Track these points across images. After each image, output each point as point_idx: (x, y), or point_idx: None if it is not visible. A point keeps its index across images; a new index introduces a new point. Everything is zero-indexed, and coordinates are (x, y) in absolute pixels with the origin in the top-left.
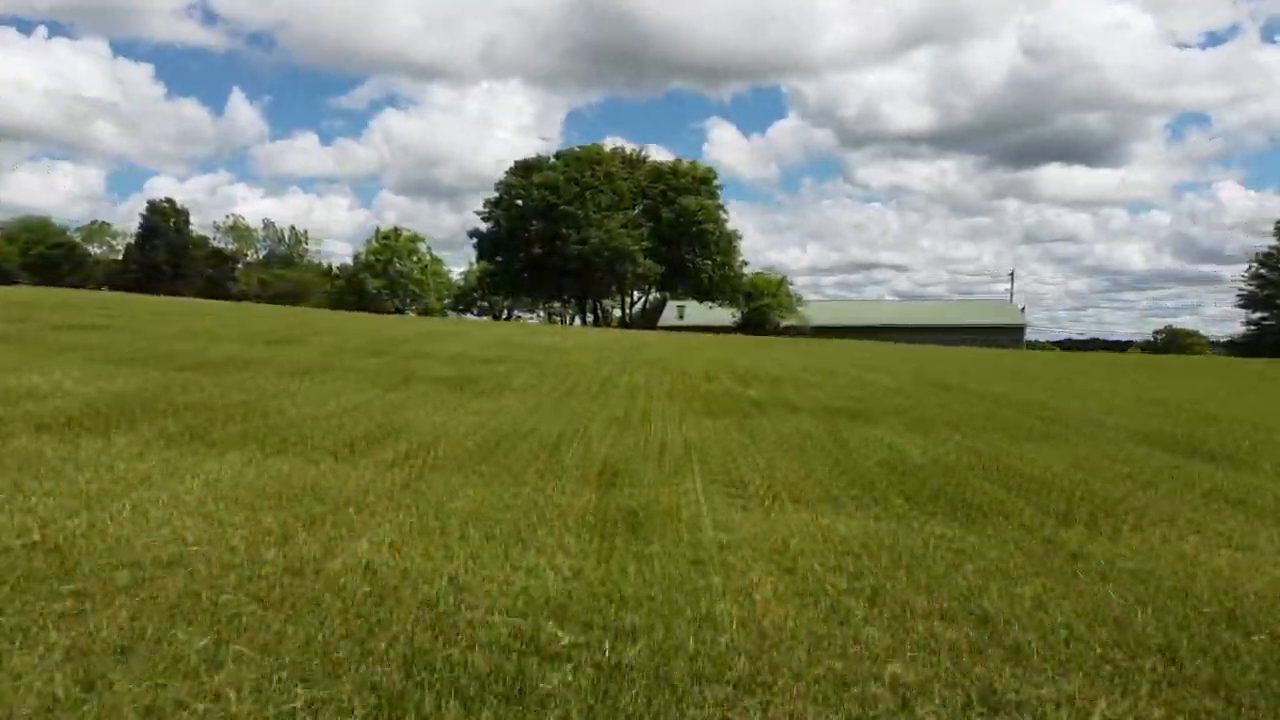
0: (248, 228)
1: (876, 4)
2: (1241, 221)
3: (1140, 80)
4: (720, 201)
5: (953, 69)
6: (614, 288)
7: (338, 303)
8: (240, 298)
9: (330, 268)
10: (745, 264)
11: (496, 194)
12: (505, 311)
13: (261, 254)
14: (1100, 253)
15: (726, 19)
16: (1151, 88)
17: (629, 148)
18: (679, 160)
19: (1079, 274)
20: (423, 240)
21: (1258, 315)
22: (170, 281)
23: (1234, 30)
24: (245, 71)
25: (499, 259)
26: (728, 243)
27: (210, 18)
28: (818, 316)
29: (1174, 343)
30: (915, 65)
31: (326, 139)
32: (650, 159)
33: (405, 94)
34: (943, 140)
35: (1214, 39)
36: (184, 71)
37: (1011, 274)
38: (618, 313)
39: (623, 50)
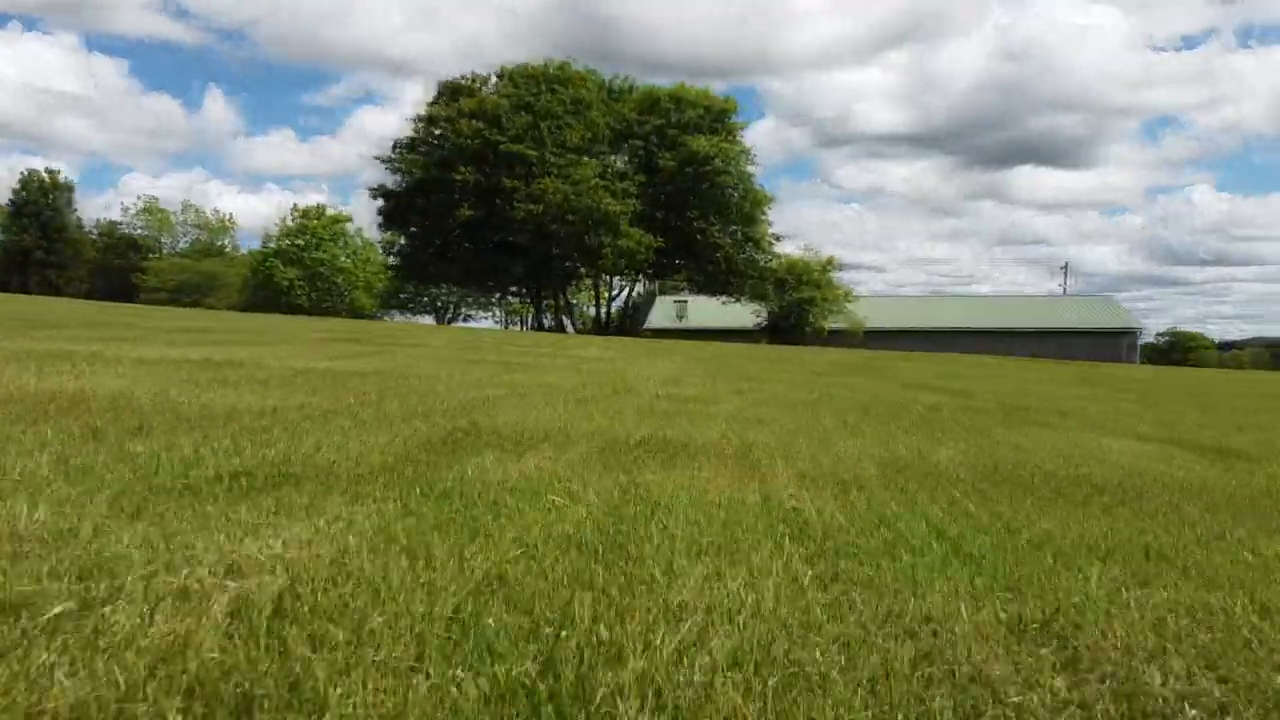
0: (163, 211)
1: (853, 3)
2: (1214, 225)
3: (1114, 82)
4: (745, 147)
5: (929, 69)
6: (584, 271)
7: (254, 300)
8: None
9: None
10: (779, 238)
11: (411, 134)
12: (452, 310)
13: (183, 243)
14: (1073, 255)
15: (704, 19)
16: (1125, 90)
17: (610, 76)
18: (683, 85)
19: (1051, 276)
20: (348, 220)
21: None
22: (41, 270)
23: (1209, 34)
24: (219, 67)
25: (413, 229)
26: (754, 206)
27: (181, 12)
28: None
29: (1175, 346)
30: (892, 65)
31: (303, 136)
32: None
33: (382, 91)
34: (919, 141)
35: (1189, 42)
36: (157, 66)
37: (1065, 266)
38: (593, 311)
39: (601, 49)
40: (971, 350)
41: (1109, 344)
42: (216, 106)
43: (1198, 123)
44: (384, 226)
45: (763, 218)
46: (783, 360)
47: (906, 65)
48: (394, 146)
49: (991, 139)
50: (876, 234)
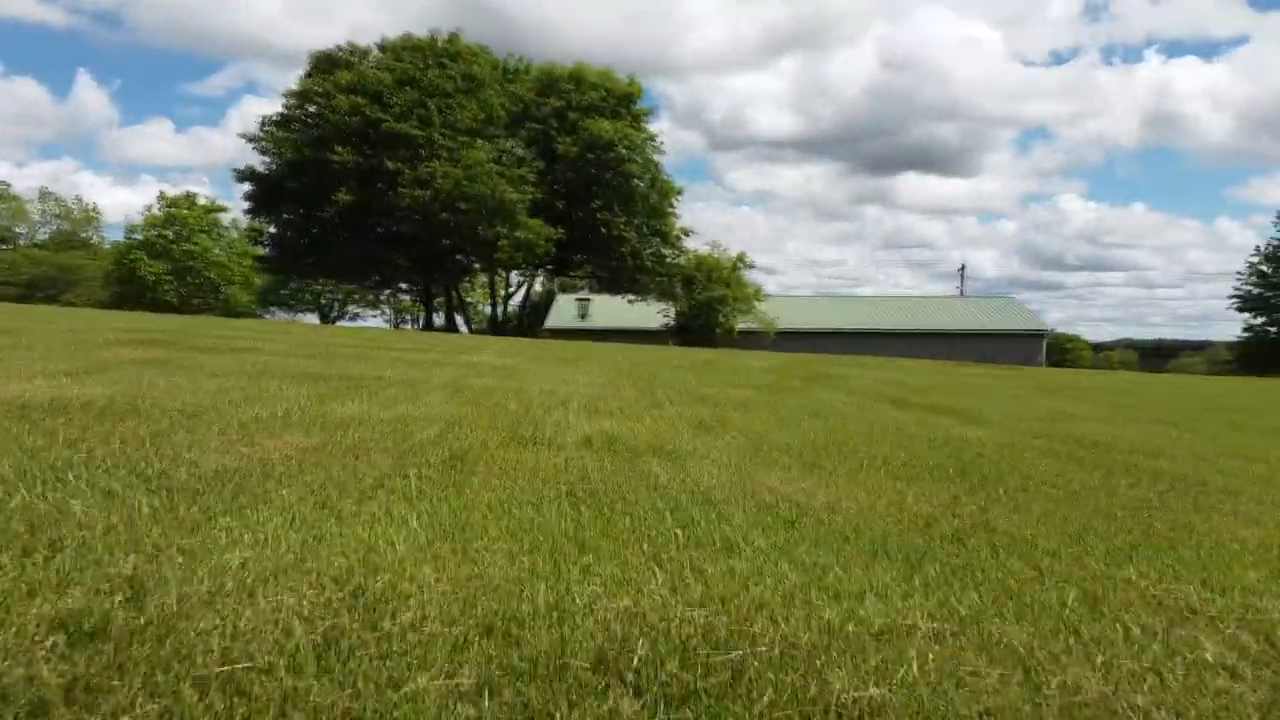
0: (16, 198)
1: (743, 9)
2: (1083, 232)
3: (991, 95)
4: (652, 133)
5: (817, 77)
6: (479, 266)
7: (119, 296)
8: None
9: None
10: (687, 233)
11: (283, 110)
12: (337, 308)
13: (43, 234)
14: (955, 259)
15: (600, 20)
16: (1001, 102)
17: (505, 56)
18: (583, 65)
19: (935, 279)
20: (223, 210)
21: (1260, 321)
22: None
23: (1076, 51)
24: (91, 51)
25: (285, 216)
26: (662, 197)
27: None
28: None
29: (1054, 347)
30: (782, 72)
31: (181, 126)
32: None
33: (267, 81)
34: (808, 146)
35: (1058, 58)
36: (21, 49)
37: (962, 268)
38: (490, 309)
39: (496, 48)
40: (883, 352)
41: (1022, 346)
42: (88, 93)
43: (1066, 135)
44: (251, 213)
45: (671, 210)
46: (716, 367)
47: (796, 73)
48: (262, 124)
49: (877, 146)
50: (768, 236)
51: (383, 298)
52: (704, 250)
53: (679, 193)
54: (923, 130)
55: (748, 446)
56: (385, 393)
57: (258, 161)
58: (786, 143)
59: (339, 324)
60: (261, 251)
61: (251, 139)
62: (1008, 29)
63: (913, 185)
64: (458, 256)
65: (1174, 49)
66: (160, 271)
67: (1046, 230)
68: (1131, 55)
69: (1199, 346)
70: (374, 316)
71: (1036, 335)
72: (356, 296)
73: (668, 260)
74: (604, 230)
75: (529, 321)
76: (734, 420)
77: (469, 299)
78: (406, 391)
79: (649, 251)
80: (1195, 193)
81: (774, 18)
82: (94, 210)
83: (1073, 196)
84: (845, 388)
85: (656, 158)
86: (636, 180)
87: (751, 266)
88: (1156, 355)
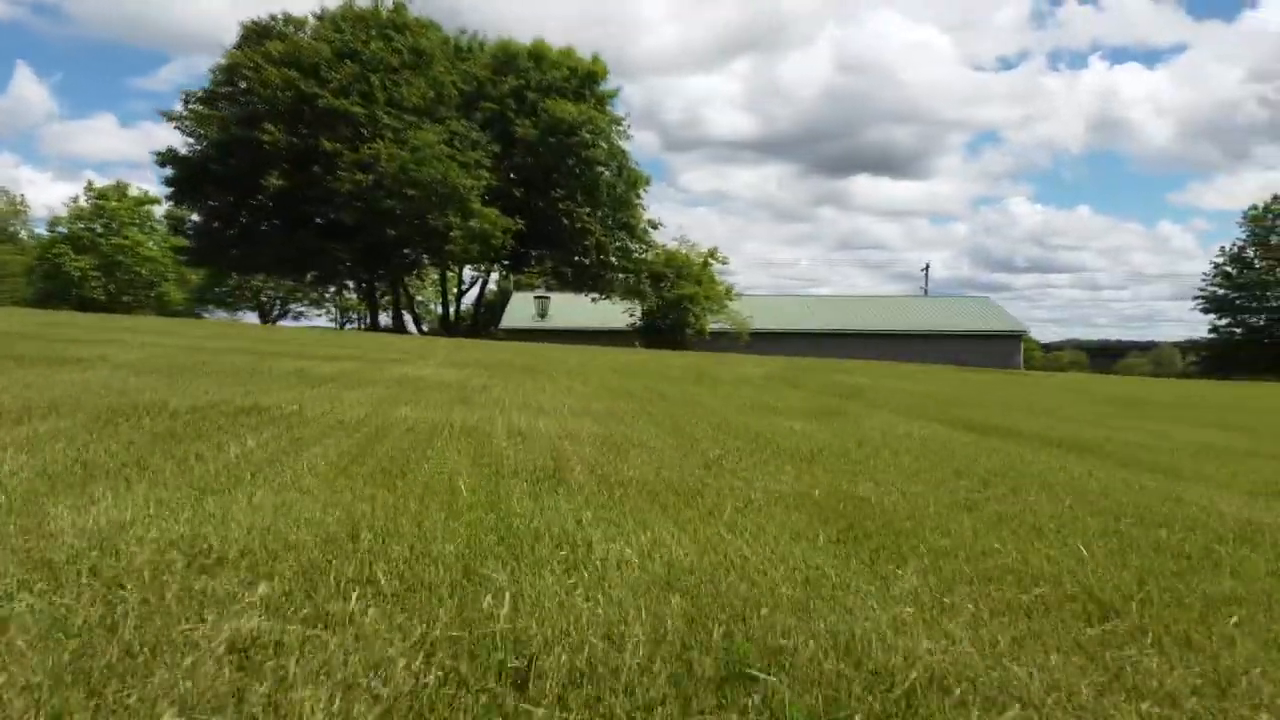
0: None
1: (697, 10)
2: (1031, 234)
3: (942, 98)
4: (617, 117)
5: (772, 79)
6: (428, 260)
7: (43, 294)
8: None
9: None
10: (655, 226)
11: (207, 85)
12: (276, 307)
13: None
14: (910, 260)
15: (555, 17)
16: (953, 106)
17: (456, 34)
18: (542, 42)
19: (889, 280)
20: (156, 202)
21: (1224, 322)
22: None
23: (1024, 56)
24: (31, 43)
25: (211, 203)
26: (629, 187)
27: None
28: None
29: None
30: (736, 74)
31: (127, 120)
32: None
33: None
34: (764, 147)
35: (1005, 63)
36: None
37: (926, 268)
38: (440, 308)
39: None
40: (856, 354)
41: (999, 347)
42: (27, 86)
43: (1015, 139)
44: (173, 200)
45: (638, 201)
46: (714, 377)
47: (750, 74)
48: (185, 101)
49: (832, 148)
50: (725, 237)
51: (327, 295)
52: (672, 246)
53: (647, 183)
54: (878, 132)
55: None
56: (226, 453)
57: (182, 143)
58: (743, 144)
59: (280, 324)
60: (184, 242)
61: (173, 117)
62: (957, 33)
63: (867, 187)
64: (405, 250)
65: (1117, 55)
66: (87, 267)
67: (996, 232)
68: (1077, 61)
69: (1145, 347)
70: (319, 316)
71: (1013, 336)
72: (299, 294)
73: (634, 255)
74: (566, 221)
75: (484, 321)
76: (874, 508)
77: (419, 297)
78: (276, 445)
79: (615, 245)
80: (1138, 196)
81: (727, 19)
82: (21, 202)
83: (1021, 199)
84: (890, 405)
85: (623, 144)
86: (601, 167)
87: (725, 262)
88: (1103, 355)
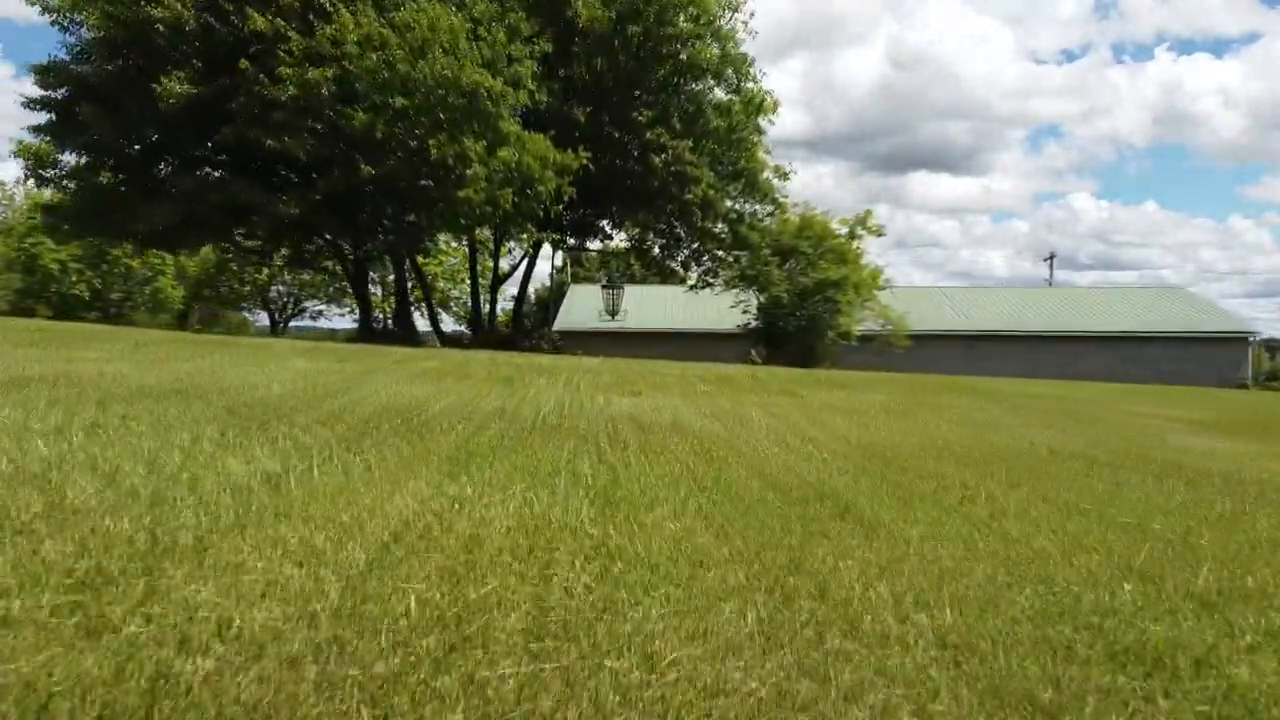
0: None
1: (752, 7)
2: (1094, 231)
3: (1000, 93)
4: (735, 2)
5: (825, 77)
6: (441, 221)
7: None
8: None
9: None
10: (785, 175)
11: None
12: (291, 308)
13: None
14: (965, 258)
15: None
16: (1011, 100)
17: None
18: None
19: (947, 279)
20: None
21: None
22: None
23: (1087, 49)
24: None
25: (94, 136)
26: (751, 113)
27: None
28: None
29: None
30: (789, 72)
31: None
32: None
33: None
34: (818, 145)
35: (1068, 56)
36: None
37: (1051, 257)
38: (468, 300)
39: None
40: (1026, 364)
41: (1221, 355)
42: None
43: (1078, 133)
44: (36, 132)
45: (757, 139)
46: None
47: (804, 72)
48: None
49: (886, 145)
50: None
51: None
52: (798, 212)
53: (776, 109)
54: (933, 129)
55: None
56: None
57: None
58: (796, 142)
59: (291, 326)
60: (50, 197)
61: (45, 8)
62: (1017, 26)
63: (923, 184)
64: (400, 204)
65: (1185, 46)
66: (68, 259)
67: (1058, 229)
68: (1142, 53)
69: None
70: (340, 316)
71: (1237, 338)
72: (311, 290)
73: (753, 221)
74: (658, 162)
75: (534, 321)
76: None
77: (435, 283)
78: None
79: (729, 205)
80: (1207, 191)
81: (780, 17)
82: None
83: (1084, 195)
84: None
85: (744, 48)
86: (711, 81)
87: (880, 234)
88: None
